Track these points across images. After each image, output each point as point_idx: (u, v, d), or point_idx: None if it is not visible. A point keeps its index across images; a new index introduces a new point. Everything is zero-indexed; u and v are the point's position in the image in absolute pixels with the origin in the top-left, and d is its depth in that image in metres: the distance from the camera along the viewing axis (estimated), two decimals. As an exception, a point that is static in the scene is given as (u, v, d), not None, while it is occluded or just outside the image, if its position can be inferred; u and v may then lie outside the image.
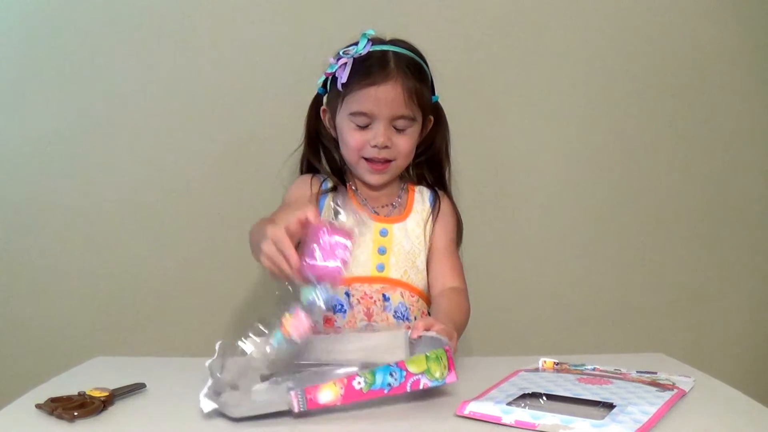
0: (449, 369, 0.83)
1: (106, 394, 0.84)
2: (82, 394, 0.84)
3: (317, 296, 0.88)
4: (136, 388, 0.89)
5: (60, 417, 0.79)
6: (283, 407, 0.79)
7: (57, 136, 1.54)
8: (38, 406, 0.82)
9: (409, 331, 0.97)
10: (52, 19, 1.52)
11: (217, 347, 0.90)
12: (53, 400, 0.82)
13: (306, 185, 1.25)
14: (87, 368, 1.03)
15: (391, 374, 0.80)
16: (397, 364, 0.81)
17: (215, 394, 0.82)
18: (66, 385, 0.89)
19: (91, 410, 0.80)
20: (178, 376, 0.96)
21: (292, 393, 0.78)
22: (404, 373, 0.81)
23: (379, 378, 0.80)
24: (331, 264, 0.88)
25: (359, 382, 0.79)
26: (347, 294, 1.19)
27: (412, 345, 0.96)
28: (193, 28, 1.54)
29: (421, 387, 0.81)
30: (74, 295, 1.56)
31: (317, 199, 1.23)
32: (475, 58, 1.57)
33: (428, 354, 0.83)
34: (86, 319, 1.57)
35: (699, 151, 1.64)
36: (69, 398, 0.83)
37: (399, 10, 1.53)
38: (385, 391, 0.80)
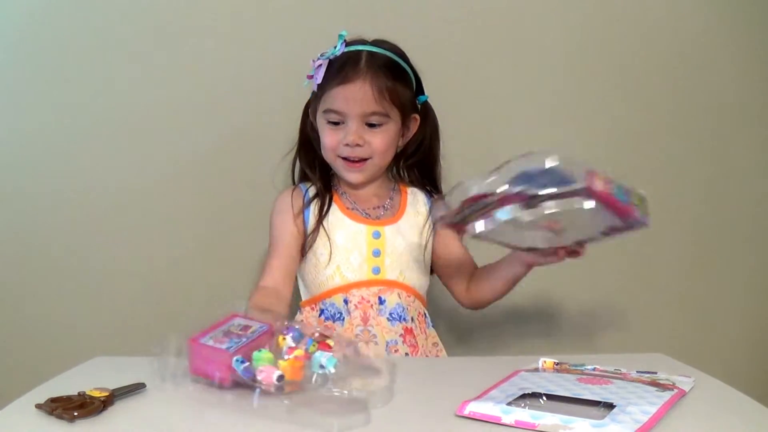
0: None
1: (106, 394, 0.84)
2: (82, 394, 0.84)
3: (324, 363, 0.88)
4: (136, 388, 0.89)
5: (60, 417, 0.79)
6: None
7: (55, 136, 1.54)
8: (38, 406, 0.81)
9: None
10: (51, 17, 1.52)
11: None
12: (53, 400, 0.82)
13: (287, 207, 1.24)
14: (87, 368, 1.03)
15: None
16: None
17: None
18: (66, 385, 0.89)
19: (91, 410, 0.80)
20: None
21: None
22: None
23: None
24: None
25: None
26: (345, 301, 1.19)
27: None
28: (189, 29, 1.54)
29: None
30: (74, 295, 1.56)
31: (302, 214, 1.23)
32: (470, 57, 1.57)
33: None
34: (86, 319, 1.57)
35: (697, 152, 1.63)
36: (69, 398, 0.83)
37: (394, 10, 1.53)
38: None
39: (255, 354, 0.86)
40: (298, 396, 0.83)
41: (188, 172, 1.56)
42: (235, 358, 0.85)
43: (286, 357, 0.87)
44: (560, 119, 1.61)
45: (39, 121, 1.54)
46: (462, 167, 1.46)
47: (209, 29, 1.54)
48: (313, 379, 0.86)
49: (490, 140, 1.59)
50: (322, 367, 0.86)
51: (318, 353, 0.88)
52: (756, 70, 1.63)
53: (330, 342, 0.90)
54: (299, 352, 0.88)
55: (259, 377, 0.83)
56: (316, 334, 0.92)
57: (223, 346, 0.87)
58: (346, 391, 0.84)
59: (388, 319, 1.20)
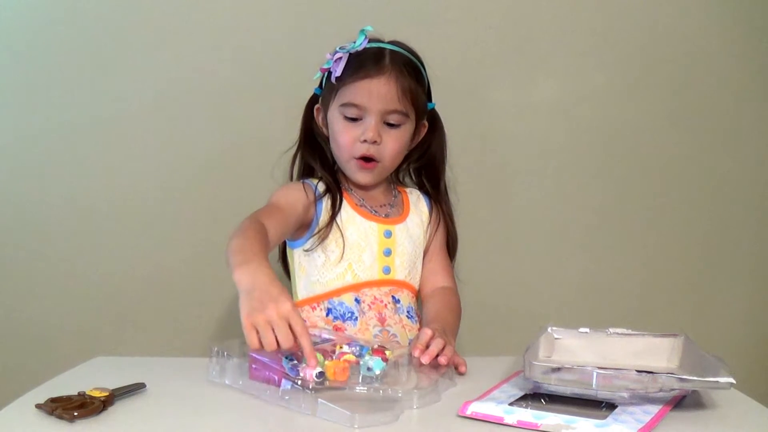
0: None
1: (106, 394, 0.84)
2: (82, 394, 0.84)
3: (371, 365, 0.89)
4: (136, 388, 0.89)
5: (60, 417, 0.79)
6: None
7: (56, 136, 1.54)
8: (38, 406, 0.81)
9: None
10: (52, 20, 1.52)
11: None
12: (53, 400, 0.82)
13: (300, 191, 1.18)
14: (87, 368, 1.03)
15: None
16: None
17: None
18: (66, 385, 0.89)
19: (91, 410, 0.80)
20: (178, 376, 0.96)
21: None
22: None
23: None
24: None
25: None
26: (357, 300, 1.16)
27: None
28: (190, 28, 1.53)
29: None
30: (74, 295, 1.56)
31: (314, 206, 1.18)
32: (474, 59, 1.57)
33: None
34: (86, 319, 1.56)
35: (697, 153, 1.63)
36: (69, 398, 0.83)
37: (398, 11, 1.53)
38: None
39: None
40: (332, 393, 0.84)
41: (188, 173, 1.55)
42: (285, 357, 0.87)
43: (334, 359, 0.88)
44: (564, 120, 1.60)
45: (40, 122, 1.54)
46: (468, 165, 1.47)
47: (210, 31, 1.53)
48: (360, 380, 0.87)
49: (495, 141, 1.59)
50: (369, 369, 0.87)
51: (367, 357, 0.88)
52: (761, 67, 1.63)
53: (388, 352, 0.90)
54: (350, 356, 0.89)
55: (301, 374, 0.84)
56: (376, 346, 0.93)
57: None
58: (381, 391, 0.85)
59: (407, 317, 1.18)
